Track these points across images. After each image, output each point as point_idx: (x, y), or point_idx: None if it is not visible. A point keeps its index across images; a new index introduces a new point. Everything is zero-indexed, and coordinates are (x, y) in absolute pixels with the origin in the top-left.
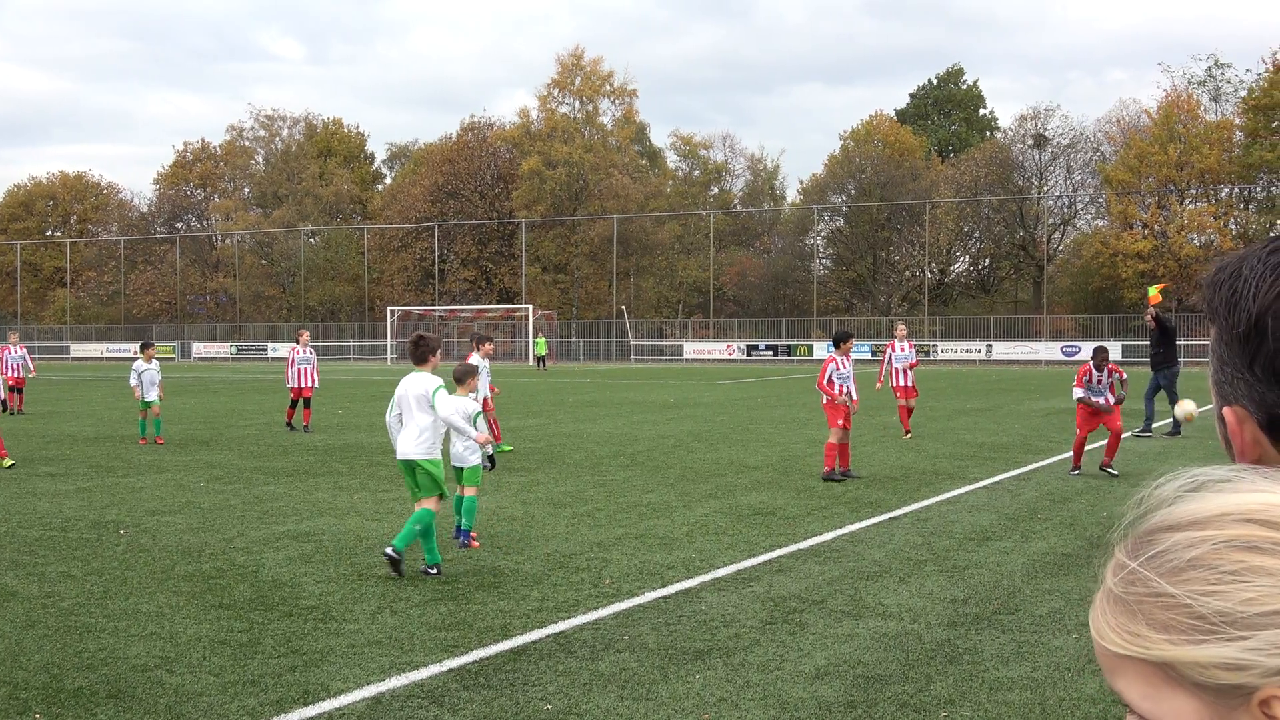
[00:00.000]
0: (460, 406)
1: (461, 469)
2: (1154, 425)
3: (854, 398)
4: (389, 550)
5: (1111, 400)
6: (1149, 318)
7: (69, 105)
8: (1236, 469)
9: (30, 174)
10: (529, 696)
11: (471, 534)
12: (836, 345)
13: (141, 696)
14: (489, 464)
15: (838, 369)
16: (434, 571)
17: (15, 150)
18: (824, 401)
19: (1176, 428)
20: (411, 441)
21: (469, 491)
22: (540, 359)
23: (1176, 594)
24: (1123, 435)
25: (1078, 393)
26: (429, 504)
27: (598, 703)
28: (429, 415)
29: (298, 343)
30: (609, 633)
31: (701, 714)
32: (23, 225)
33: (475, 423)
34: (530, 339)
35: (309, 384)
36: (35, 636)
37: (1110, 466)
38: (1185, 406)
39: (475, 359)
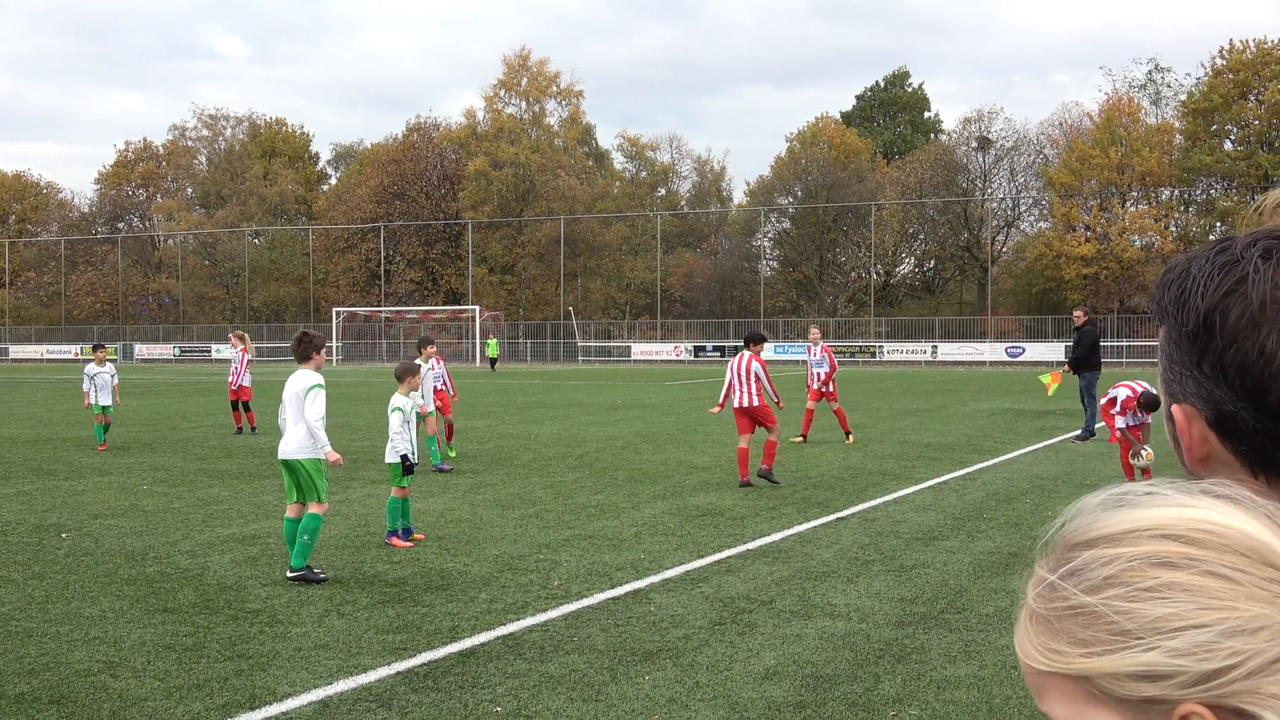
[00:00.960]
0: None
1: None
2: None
3: (779, 402)
4: (290, 575)
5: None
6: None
7: (7, 103)
8: (1155, 485)
9: None
10: (478, 699)
11: (394, 534)
12: (748, 346)
13: (85, 702)
14: (408, 468)
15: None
16: (293, 576)
17: None
18: (758, 404)
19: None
20: (293, 441)
21: (393, 492)
22: (492, 360)
23: (1096, 608)
24: (1072, 438)
25: (1121, 421)
26: (314, 509)
27: (547, 704)
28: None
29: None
30: (558, 634)
31: (651, 715)
32: None
33: (410, 419)
34: (478, 340)
35: (242, 384)
36: None
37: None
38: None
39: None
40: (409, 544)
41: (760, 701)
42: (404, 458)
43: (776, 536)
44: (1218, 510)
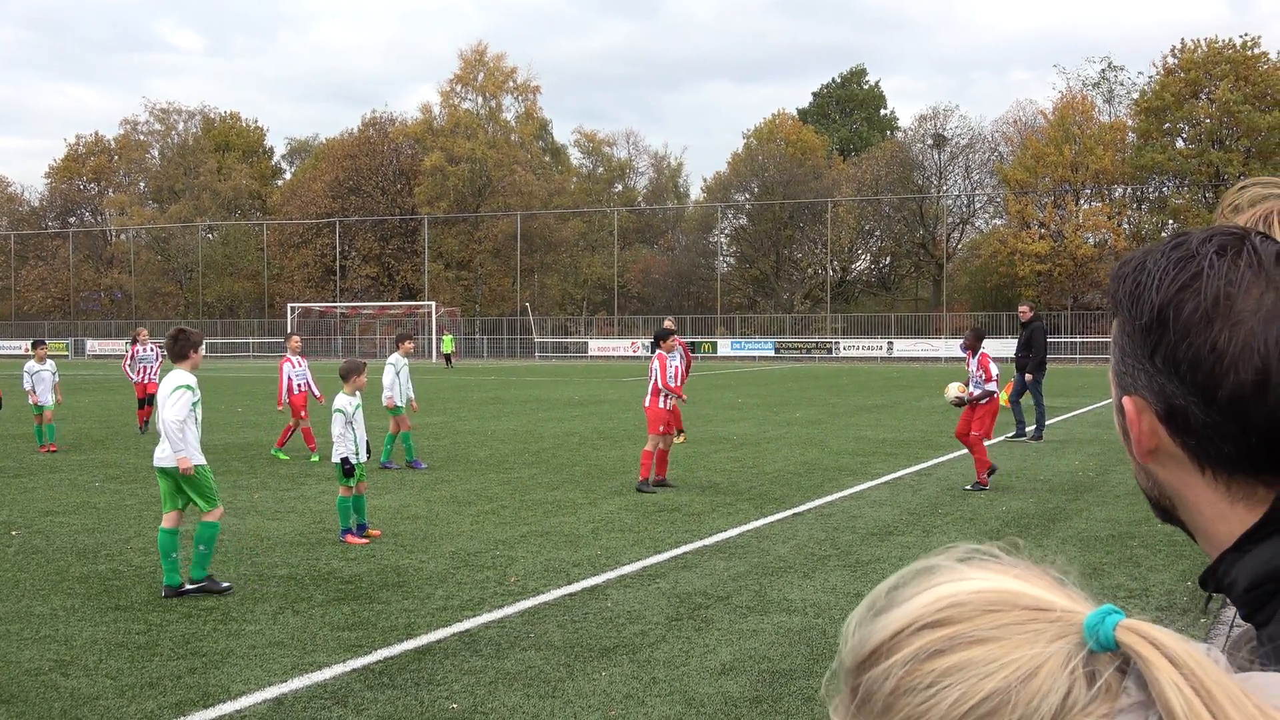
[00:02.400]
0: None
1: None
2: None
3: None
4: (189, 587)
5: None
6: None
7: None
8: (900, 575)
9: None
10: (434, 695)
11: (348, 532)
12: (658, 343)
13: (35, 701)
14: (348, 470)
15: (670, 367)
16: (193, 588)
17: None
18: (647, 404)
19: (1020, 430)
20: (168, 447)
21: (340, 491)
22: (447, 356)
23: None
24: (1029, 437)
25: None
26: (206, 517)
27: (504, 701)
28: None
29: (136, 341)
30: (515, 631)
31: (608, 711)
32: None
33: (354, 419)
34: (434, 336)
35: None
36: None
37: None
38: (950, 391)
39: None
40: (364, 540)
41: (717, 697)
42: (344, 460)
43: (733, 532)
44: (952, 581)
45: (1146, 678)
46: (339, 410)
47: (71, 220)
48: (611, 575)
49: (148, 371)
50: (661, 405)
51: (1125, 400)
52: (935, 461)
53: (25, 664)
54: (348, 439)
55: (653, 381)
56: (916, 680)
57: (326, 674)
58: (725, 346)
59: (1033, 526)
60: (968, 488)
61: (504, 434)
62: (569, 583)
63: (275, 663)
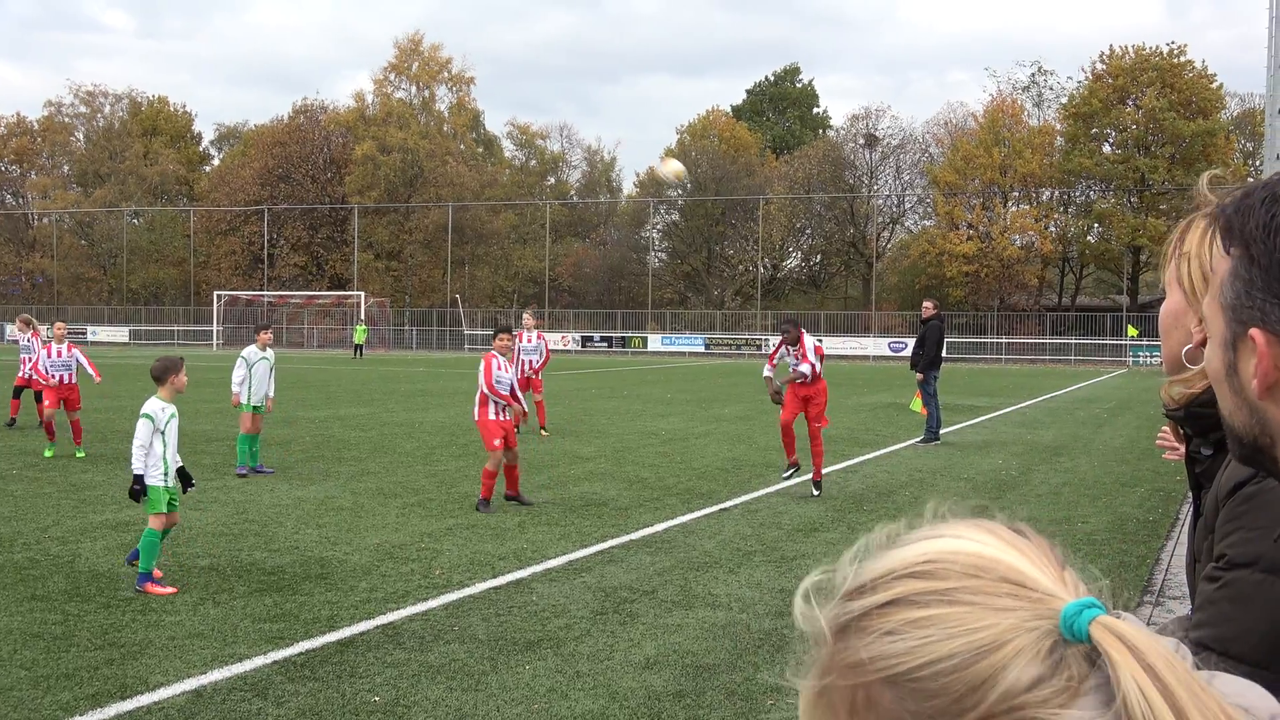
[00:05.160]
0: (137, 439)
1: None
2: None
3: (524, 409)
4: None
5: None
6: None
7: None
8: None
9: None
10: (356, 688)
11: (147, 579)
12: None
13: None
14: (135, 491)
15: (500, 370)
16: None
17: None
18: (476, 417)
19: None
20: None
21: (150, 522)
22: (358, 347)
23: (863, 661)
24: (917, 441)
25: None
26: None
27: (426, 694)
28: None
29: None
30: (438, 624)
31: (531, 704)
32: None
33: (166, 430)
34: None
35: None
36: None
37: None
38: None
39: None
40: (166, 591)
41: (640, 691)
42: (138, 479)
43: (660, 527)
44: (949, 538)
45: (1112, 678)
46: (147, 416)
47: None
48: (537, 569)
49: (27, 364)
50: (494, 416)
51: (1255, 333)
52: (861, 459)
53: None
54: (152, 452)
55: (479, 389)
56: (882, 624)
57: (247, 666)
58: (655, 342)
59: None
60: (816, 493)
61: (431, 426)
62: (494, 576)
63: (195, 654)
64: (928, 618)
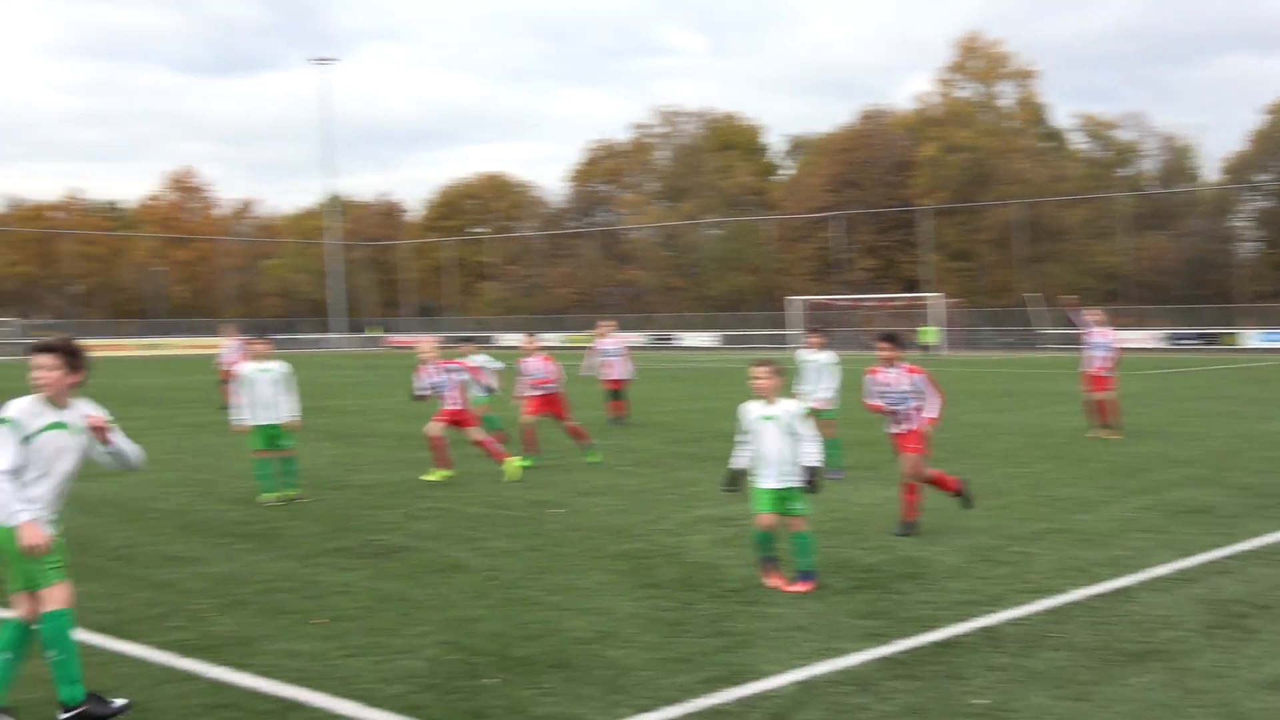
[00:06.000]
0: None
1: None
2: None
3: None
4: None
5: None
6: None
7: (484, 106)
8: None
9: (453, 174)
10: (958, 690)
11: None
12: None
13: (582, 668)
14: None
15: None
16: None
17: (439, 152)
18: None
19: None
20: None
21: None
22: (924, 346)
23: None
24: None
25: None
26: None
27: (1031, 701)
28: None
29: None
30: (1039, 629)
31: (1142, 719)
32: (452, 223)
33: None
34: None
35: (620, 375)
36: (484, 606)
37: None
38: None
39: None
40: (795, 588)
41: (1264, 714)
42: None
43: (1274, 537)
44: None
45: None
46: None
47: (591, 220)
48: (1140, 577)
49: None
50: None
51: None
52: None
53: (572, 633)
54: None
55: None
56: None
57: (850, 660)
58: (1252, 338)
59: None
60: None
61: (1013, 427)
62: (1092, 582)
63: (799, 646)
64: None
